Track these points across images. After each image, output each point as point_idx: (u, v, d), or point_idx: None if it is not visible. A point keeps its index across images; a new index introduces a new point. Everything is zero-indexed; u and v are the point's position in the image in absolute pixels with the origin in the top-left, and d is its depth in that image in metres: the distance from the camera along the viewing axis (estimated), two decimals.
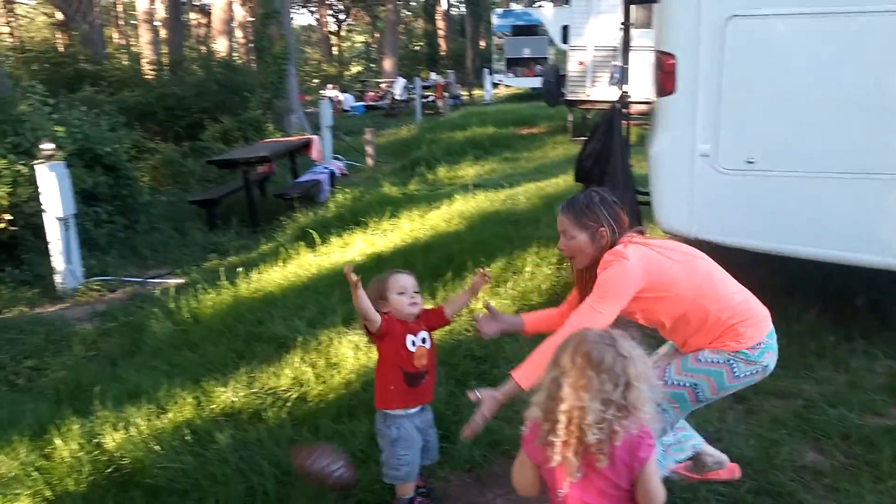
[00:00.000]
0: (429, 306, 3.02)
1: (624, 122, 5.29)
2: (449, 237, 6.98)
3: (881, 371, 4.05)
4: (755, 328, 2.48)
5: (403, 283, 2.79)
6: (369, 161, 12.87)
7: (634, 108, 11.75)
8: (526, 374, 2.44)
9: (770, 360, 2.55)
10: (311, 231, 7.51)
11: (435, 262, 6.13)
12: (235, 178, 9.98)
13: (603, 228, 2.50)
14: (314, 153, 11.09)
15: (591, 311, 2.44)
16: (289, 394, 3.93)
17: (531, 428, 1.85)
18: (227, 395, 3.92)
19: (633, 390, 1.73)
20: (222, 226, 8.64)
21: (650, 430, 1.81)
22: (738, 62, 4.10)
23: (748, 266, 5.36)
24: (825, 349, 4.22)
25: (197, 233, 8.30)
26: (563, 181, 9.50)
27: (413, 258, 6.27)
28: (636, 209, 4.94)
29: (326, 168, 10.51)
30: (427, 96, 22.72)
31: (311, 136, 11.51)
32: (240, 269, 6.33)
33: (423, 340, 2.81)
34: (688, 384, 2.51)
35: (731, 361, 2.47)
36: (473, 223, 7.51)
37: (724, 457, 2.95)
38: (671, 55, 4.26)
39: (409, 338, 2.79)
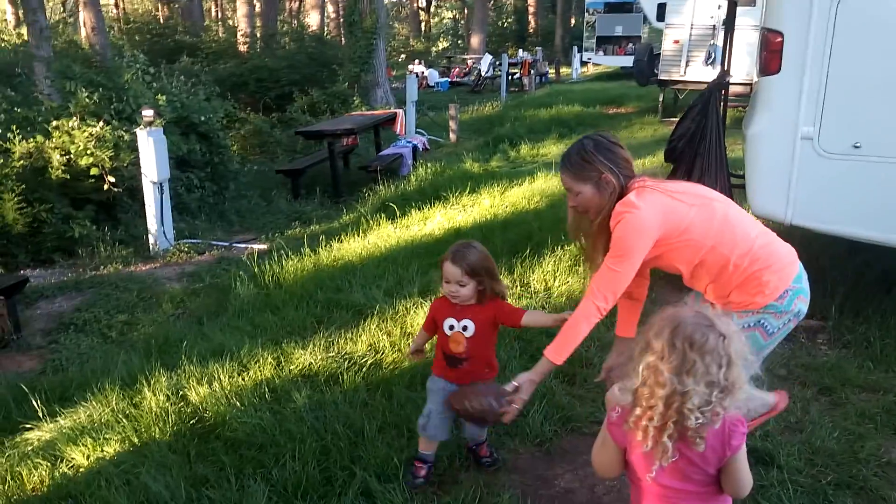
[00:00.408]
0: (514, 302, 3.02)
1: (723, 104, 5.10)
2: (529, 214, 6.94)
3: None
4: (780, 274, 2.36)
5: (448, 272, 2.77)
6: (452, 136, 12.88)
7: (731, 90, 11.35)
8: (559, 350, 2.47)
9: (802, 304, 2.42)
10: (391, 204, 7.61)
11: (514, 238, 6.11)
12: (321, 150, 10.19)
13: (605, 174, 2.42)
14: (398, 127, 11.19)
15: (608, 272, 2.39)
16: (365, 359, 4.02)
17: (620, 413, 1.81)
18: (306, 357, 4.04)
19: (734, 368, 1.68)
20: (306, 196, 8.86)
21: (744, 416, 1.76)
22: (849, 42, 3.87)
23: (847, 254, 5.14)
24: None
25: (282, 201, 8.54)
26: (650, 162, 9.26)
27: (492, 234, 6.27)
28: (729, 191, 4.77)
29: (409, 142, 10.59)
30: (513, 73, 22.46)
31: (395, 111, 11.61)
32: (321, 238, 6.49)
33: (465, 328, 2.80)
34: None
35: (762, 320, 2.38)
36: (554, 202, 7.42)
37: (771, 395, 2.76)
38: (779, 33, 4.06)
39: (449, 321, 2.83)
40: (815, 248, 5.36)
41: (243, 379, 3.82)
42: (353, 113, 12.42)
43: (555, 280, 5.17)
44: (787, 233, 5.62)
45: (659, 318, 1.76)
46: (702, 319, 1.70)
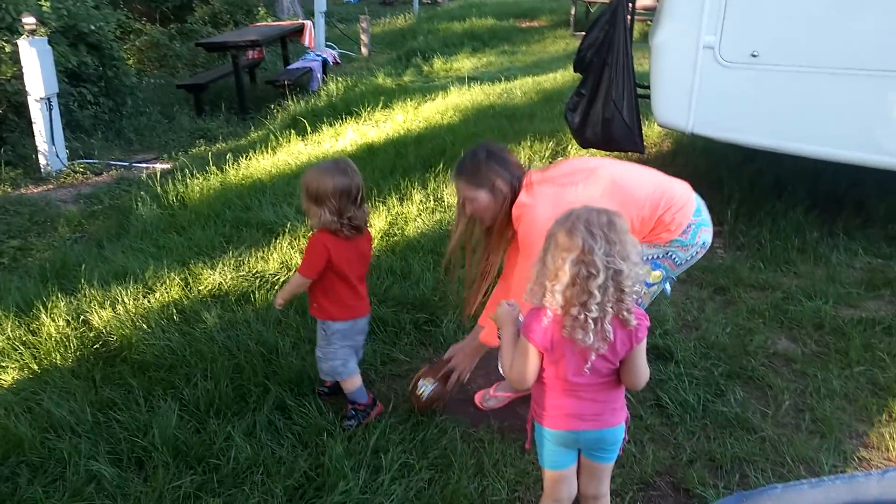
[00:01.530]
0: None
1: (629, 14, 5.10)
2: (442, 129, 6.88)
3: (860, 266, 4.11)
4: (681, 212, 2.50)
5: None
6: (364, 50, 12.49)
7: (640, 3, 11.39)
8: (492, 332, 2.65)
9: (705, 235, 2.58)
10: (301, 119, 7.38)
11: (427, 153, 6.08)
12: (225, 63, 9.71)
13: (498, 180, 2.50)
14: (307, 40, 10.73)
15: (526, 271, 2.42)
16: (277, 277, 3.97)
17: (551, 319, 1.81)
18: (215, 277, 3.95)
19: (636, 241, 1.80)
20: (211, 112, 8.47)
21: (643, 311, 1.84)
22: None
23: (743, 162, 5.37)
24: (808, 245, 4.25)
25: (184, 118, 8.14)
26: (561, 76, 9.29)
27: (405, 149, 6.21)
28: (635, 102, 4.84)
29: (319, 56, 10.20)
30: None
31: (303, 22, 11.10)
32: (228, 156, 6.25)
33: None
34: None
35: (669, 252, 2.54)
36: (468, 116, 7.39)
37: None
38: None
39: None
40: (715, 156, 5.59)
41: (149, 301, 3.71)
42: (259, 24, 11.80)
43: None
44: (690, 142, 5.85)
45: (558, 225, 1.78)
46: (596, 207, 1.79)
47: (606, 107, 4.66)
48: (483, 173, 2.52)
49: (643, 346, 1.83)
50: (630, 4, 5.29)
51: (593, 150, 5.26)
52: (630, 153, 5.12)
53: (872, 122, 3.90)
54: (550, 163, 5.77)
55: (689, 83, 4.20)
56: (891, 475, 1.09)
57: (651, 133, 6.34)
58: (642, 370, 1.86)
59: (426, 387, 2.82)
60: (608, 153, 5.71)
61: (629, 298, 1.73)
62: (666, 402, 2.93)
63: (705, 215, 2.60)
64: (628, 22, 4.95)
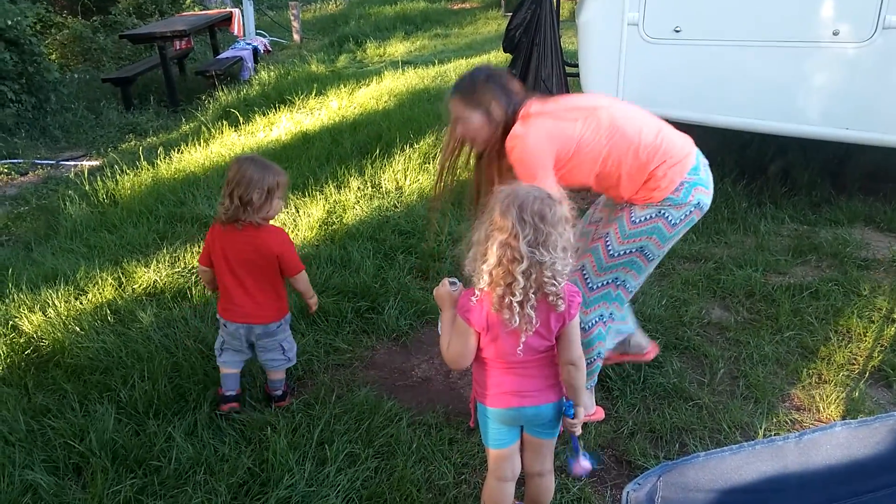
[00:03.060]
0: None
1: None
2: (378, 115, 6.83)
3: (787, 234, 4.26)
4: (674, 169, 2.39)
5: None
6: (295, 37, 12.27)
7: None
8: None
9: (701, 195, 2.45)
10: (233, 110, 7.22)
11: (363, 139, 6.03)
12: (152, 55, 9.39)
13: (494, 104, 2.43)
14: (235, 28, 10.46)
15: None
16: None
17: (480, 297, 1.83)
18: (149, 275, 3.85)
19: (568, 232, 1.79)
20: (139, 105, 8.20)
21: (575, 288, 1.87)
22: None
23: None
24: (737, 215, 4.39)
25: (112, 113, 7.85)
26: (494, 57, 9.31)
27: (341, 136, 6.15)
28: (564, 81, 4.89)
29: (249, 44, 9.96)
30: None
31: (231, 10, 10.82)
32: (160, 150, 6.08)
33: None
34: (634, 249, 2.47)
35: (663, 211, 2.43)
36: (403, 101, 7.35)
37: (647, 342, 3.00)
38: None
39: None
40: None
41: (81, 303, 3.59)
42: (185, 13, 11.45)
43: (406, 178, 5.18)
44: None
45: (498, 200, 1.79)
46: (539, 192, 1.78)
47: (536, 86, 4.70)
48: (479, 94, 2.43)
49: (576, 322, 1.87)
50: None
51: None
52: None
53: (789, 93, 4.04)
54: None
55: (616, 60, 4.26)
56: (808, 437, 1.14)
57: None
58: (576, 345, 1.90)
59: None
60: None
61: (551, 288, 1.75)
62: (607, 375, 2.99)
63: (704, 175, 2.47)
64: (554, 2, 5.00)
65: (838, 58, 3.92)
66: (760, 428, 2.69)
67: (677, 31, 4.08)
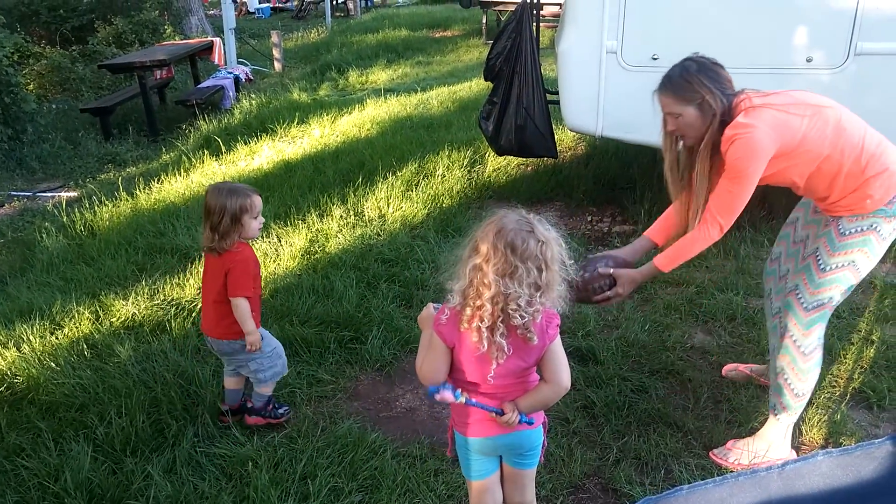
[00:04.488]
0: None
1: (535, 23, 5.19)
2: (360, 143, 6.84)
3: (766, 257, 4.26)
4: (891, 179, 2.31)
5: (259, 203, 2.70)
6: (277, 66, 12.31)
7: (547, 10, 11.65)
8: (669, 261, 2.50)
9: None
10: (215, 139, 7.21)
11: (346, 167, 6.03)
12: (131, 84, 9.38)
13: (707, 96, 2.34)
14: (217, 57, 10.49)
15: (725, 194, 2.37)
16: (194, 304, 3.84)
17: (449, 315, 1.83)
18: (128, 308, 3.80)
19: (550, 272, 1.75)
20: (119, 135, 8.16)
21: (557, 310, 1.84)
22: None
23: (653, 162, 5.53)
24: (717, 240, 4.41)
25: (91, 143, 7.81)
26: (476, 84, 9.38)
27: (323, 165, 6.14)
28: (546, 109, 4.92)
29: (231, 73, 9.98)
30: None
31: (212, 39, 10.86)
32: (139, 180, 6.04)
33: None
34: (846, 263, 2.39)
35: (874, 224, 2.35)
36: (385, 128, 7.38)
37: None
38: None
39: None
40: (627, 157, 5.75)
41: (57, 338, 3.53)
42: (165, 43, 11.47)
43: (388, 206, 5.17)
44: (604, 145, 6.00)
45: (487, 221, 1.79)
46: (524, 225, 1.75)
47: (518, 114, 4.73)
48: (693, 87, 2.35)
49: (557, 343, 1.85)
50: (536, 12, 5.39)
51: (507, 158, 5.31)
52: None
53: None
54: (469, 171, 5.82)
55: (596, 88, 4.30)
56: (790, 467, 1.13)
57: (565, 137, 6.48)
58: (561, 365, 1.86)
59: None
60: (527, 158, 5.81)
61: (517, 320, 1.73)
62: (592, 402, 2.98)
63: None
64: (534, 29, 5.05)
65: (813, 83, 3.97)
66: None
67: (655, 59, 4.13)
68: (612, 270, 2.59)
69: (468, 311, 1.77)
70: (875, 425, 2.82)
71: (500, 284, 1.71)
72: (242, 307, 2.67)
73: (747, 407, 2.92)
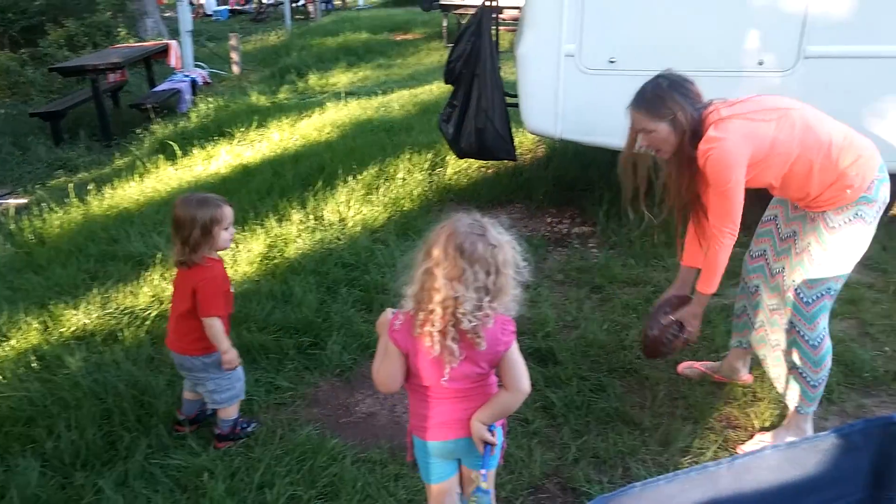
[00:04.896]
0: None
1: (494, 26, 5.21)
2: (320, 146, 6.79)
3: None
4: (865, 166, 2.41)
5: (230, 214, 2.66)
6: (235, 69, 12.16)
7: (507, 14, 11.72)
8: (709, 282, 2.57)
9: (886, 192, 2.46)
10: (171, 143, 7.07)
11: (305, 171, 5.98)
12: (84, 88, 9.17)
13: (680, 112, 2.41)
14: (173, 60, 10.32)
15: (719, 205, 2.45)
16: (148, 312, 3.76)
17: (402, 321, 1.82)
18: (79, 317, 3.70)
19: (502, 276, 1.74)
20: (70, 140, 7.97)
21: (511, 315, 1.84)
22: None
23: (611, 164, 5.59)
24: (672, 240, 4.45)
25: (40, 148, 7.60)
26: (437, 87, 9.38)
27: (282, 168, 6.08)
28: (506, 111, 4.94)
29: (187, 76, 9.82)
30: (297, 1, 21.53)
31: (168, 42, 10.68)
32: (91, 186, 5.90)
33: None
34: (839, 254, 2.49)
35: (859, 212, 2.44)
36: (346, 131, 7.33)
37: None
38: None
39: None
40: (586, 159, 5.80)
41: (3, 350, 3.42)
42: (119, 45, 11.24)
43: (349, 210, 5.14)
44: (563, 147, 6.04)
45: (440, 225, 1.79)
46: (475, 228, 1.75)
47: (478, 117, 4.73)
48: (665, 103, 2.42)
49: (513, 349, 1.84)
50: (496, 15, 5.41)
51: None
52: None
53: None
54: (430, 174, 5.82)
55: (554, 91, 4.33)
56: (739, 462, 1.15)
57: (526, 140, 6.51)
58: (519, 372, 1.86)
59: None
60: (487, 160, 5.82)
61: (466, 325, 1.72)
62: (551, 403, 2.99)
63: (886, 173, 2.49)
64: (494, 32, 5.07)
65: (765, 86, 4.06)
66: (700, 448, 2.72)
67: (613, 62, 4.18)
68: (672, 317, 2.74)
69: (421, 315, 1.76)
70: (824, 418, 2.88)
71: (449, 288, 1.70)
72: (216, 327, 2.63)
73: (703, 403, 2.96)
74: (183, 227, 2.54)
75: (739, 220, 2.47)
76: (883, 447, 1.27)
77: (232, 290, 2.79)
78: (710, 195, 2.49)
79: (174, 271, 2.71)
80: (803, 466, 1.22)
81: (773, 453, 1.21)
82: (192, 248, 2.55)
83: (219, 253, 2.72)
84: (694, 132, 2.44)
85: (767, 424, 2.84)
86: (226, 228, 2.62)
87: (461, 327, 1.73)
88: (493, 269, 1.73)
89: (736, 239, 2.51)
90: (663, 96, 2.44)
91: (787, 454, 1.21)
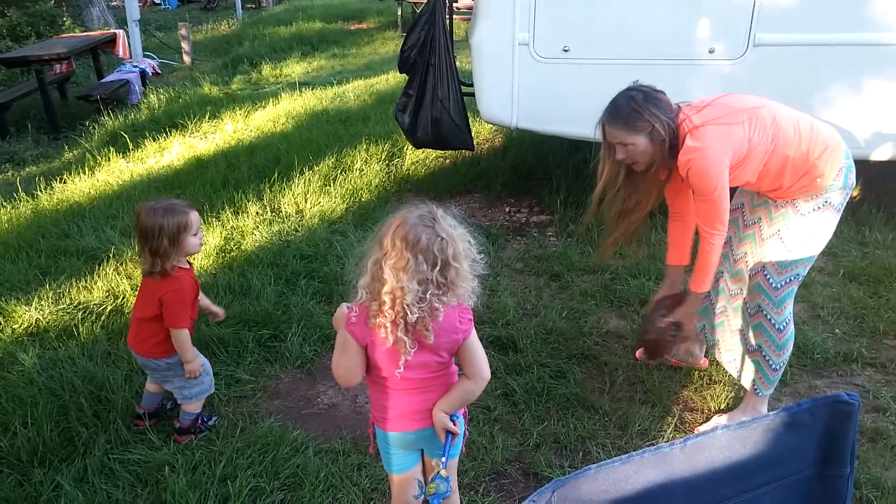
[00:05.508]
0: None
1: (448, 15, 5.21)
2: (275, 137, 6.71)
3: None
4: (832, 156, 2.50)
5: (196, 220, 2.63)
6: (186, 59, 11.91)
7: (461, 2, 11.71)
8: (701, 281, 2.60)
9: (853, 176, 2.57)
10: (122, 135, 6.92)
11: (261, 163, 5.91)
12: (29, 79, 8.89)
13: (657, 124, 2.43)
14: (121, 50, 10.05)
15: (705, 209, 2.48)
16: (103, 307, 3.69)
17: (359, 311, 1.82)
18: (31, 314, 3.61)
19: (451, 269, 1.74)
20: (16, 133, 7.72)
21: (468, 305, 1.85)
22: None
23: (568, 153, 5.67)
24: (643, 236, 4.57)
25: None
26: (393, 77, 9.34)
27: (237, 160, 6.00)
28: (461, 101, 4.96)
29: (136, 66, 9.58)
30: None
31: (116, 31, 10.39)
32: (40, 180, 5.74)
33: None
34: (809, 240, 2.57)
35: (828, 199, 2.53)
36: (301, 122, 7.26)
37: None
38: None
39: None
40: (544, 149, 5.86)
41: None
42: (65, 35, 10.89)
43: (306, 202, 5.10)
44: (520, 136, 6.10)
45: (392, 216, 1.79)
46: (425, 220, 1.74)
47: (434, 106, 4.74)
48: (643, 116, 2.44)
49: (472, 338, 1.86)
50: (449, 4, 5.41)
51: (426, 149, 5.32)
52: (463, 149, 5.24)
53: None
54: (388, 164, 5.81)
55: (509, 80, 4.36)
56: (692, 442, 1.19)
57: (483, 129, 6.54)
58: (479, 360, 1.88)
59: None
60: (445, 150, 5.84)
61: (412, 316, 1.73)
62: (512, 390, 3.03)
63: (851, 160, 2.57)
64: (448, 22, 5.07)
65: (715, 74, 4.16)
66: (658, 430, 2.80)
67: (566, 51, 4.23)
68: (669, 320, 2.78)
69: (374, 306, 1.76)
70: (777, 399, 2.99)
71: (395, 279, 1.71)
72: (182, 337, 2.62)
73: (660, 388, 3.04)
74: (150, 236, 2.50)
75: (727, 220, 2.53)
76: (830, 425, 1.32)
77: (200, 296, 2.78)
78: (697, 201, 2.56)
79: (133, 270, 2.67)
80: (754, 445, 1.27)
81: (724, 433, 1.25)
82: (161, 257, 2.52)
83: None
84: (671, 142, 2.48)
85: (723, 406, 2.93)
86: (194, 234, 2.58)
87: (407, 318, 1.74)
88: (440, 262, 1.72)
89: (725, 238, 2.57)
90: (639, 110, 2.46)
91: (738, 433, 1.26)
